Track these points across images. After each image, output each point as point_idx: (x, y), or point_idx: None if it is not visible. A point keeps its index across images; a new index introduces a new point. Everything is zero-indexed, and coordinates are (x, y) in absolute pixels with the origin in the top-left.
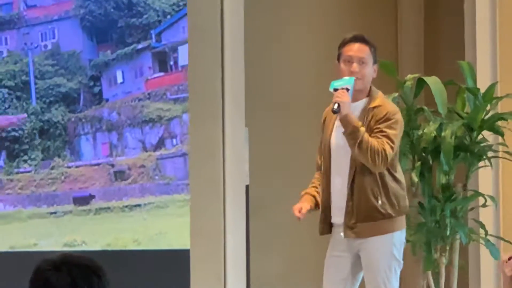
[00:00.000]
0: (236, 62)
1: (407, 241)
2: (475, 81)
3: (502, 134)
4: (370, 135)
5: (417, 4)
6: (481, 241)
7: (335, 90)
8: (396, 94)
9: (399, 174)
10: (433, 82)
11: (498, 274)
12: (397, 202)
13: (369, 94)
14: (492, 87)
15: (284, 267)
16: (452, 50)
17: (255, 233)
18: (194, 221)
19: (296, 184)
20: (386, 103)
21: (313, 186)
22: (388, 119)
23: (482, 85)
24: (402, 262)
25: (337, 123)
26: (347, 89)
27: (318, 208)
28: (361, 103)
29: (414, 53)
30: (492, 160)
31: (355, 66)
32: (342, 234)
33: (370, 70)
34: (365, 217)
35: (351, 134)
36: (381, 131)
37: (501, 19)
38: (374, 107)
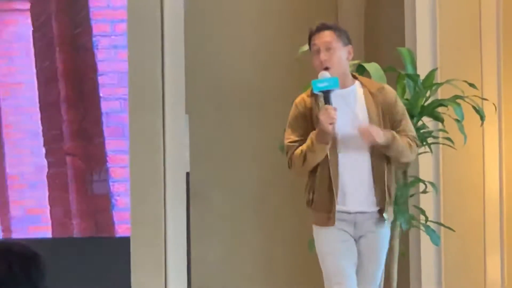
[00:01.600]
0: (176, 48)
1: None
2: (415, 67)
3: (442, 120)
4: (387, 121)
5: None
6: (422, 227)
7: (322, 92)
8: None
9: None
10: (373, 68)
11: (438, 260)
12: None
13: (355, 77)
14: (432, 74)
15: (225, 253)
16: (392, 36)
17: (195, 220)
18: (135, 208)
19: (236, 171)
20: (385, 85)
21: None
22: (399, 106)
23: (422, 71)
24: None
25: (346, 109)
26: (331, 90)
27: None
28: (354, 87)
29: (354, 39)
30: (432, 146)
31: (322, 55)
32: (385, 215)
33: (341, 54)
34: (388, 202)
35: (398, 153)
36: (402, 124)
37: (441, 5)
38: (379, 89)
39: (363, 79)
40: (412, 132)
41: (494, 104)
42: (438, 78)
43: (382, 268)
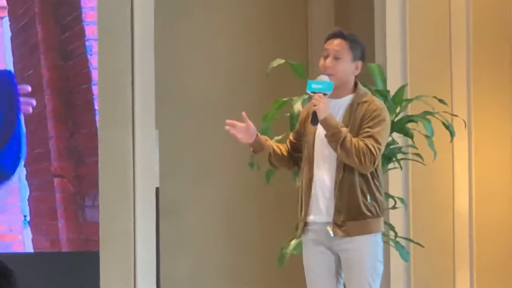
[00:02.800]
0: (146, 64)
1: None
2: (385, 83)
3: (411, 136)
4: (357, 133)
5: (327, 6)
6: (391, 243)
7: (313, 92)
8: (306, 96)
9: (380, 174)
10: None
11: (407, 276)
12: (382, 201)
13: (355, 91)
14: (402, 89)
15: (194, 269)
16: None
17: (165, 235)
18: (104, 223)
19: (207, 186)
20: (373, 99)
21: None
22: (376, 116)
23: (392, 87)
24: (383, 263)
25: None
26: (325, 94)
27: (260, 148)
28: (347, 99)
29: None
30: (401, 162)
31: (328, 61)
32: (331, 232)
33: (347, 66)
34: (355, 215)
35: (332, 136)
36: (367, 131)
37: (411, 21)
38: (362, 103)
39: (361, 92)
40: (373, 144)
41: (463, 120)
42: (408, 94)
43: (369, 281)
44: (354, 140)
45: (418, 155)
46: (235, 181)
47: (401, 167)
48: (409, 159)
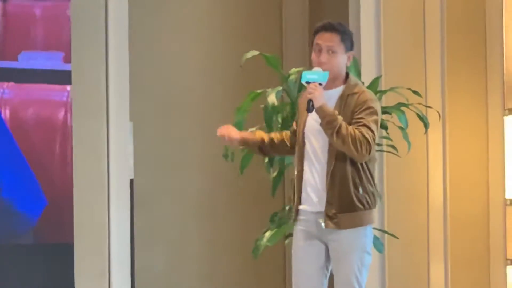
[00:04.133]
0: (120, 55)
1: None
2: (359, 75)
3: (386, 128)
4: (349, 124)
5: None
6: None
7: (307, 83)
8: (280, 88)
9: (372, 166)
10: None
11: (382, 267)
12: (373, 193)
13: (346, 82)
14: (376, 81)
15: (169, 260)
16: None
17: (140, 227)
18: (78, 215)
19: (181, 177)
20: (365, 91)
21: (269, 135)
22: (368, 108)
23: (367, 78)
24: (371, 255)
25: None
26: (320, 84)
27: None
28: (338, 90)
29: (298, 47)
30: (376, 153)
31: (322, 56)
32: (322, 224)
33: (341, 59)
34: (347, 207)
35: (328, 123)
36: (361, 120)
37: (385, 12)
38: (352, 94)
39: (352, 83)
40: (368, 132)
41: (438, 111)
42: (382, 86)
43: (355, 273)
44: (350, 128)
45: (392, 146)
46: (209, 173)
47: (375, 160)
48: (384, 151)
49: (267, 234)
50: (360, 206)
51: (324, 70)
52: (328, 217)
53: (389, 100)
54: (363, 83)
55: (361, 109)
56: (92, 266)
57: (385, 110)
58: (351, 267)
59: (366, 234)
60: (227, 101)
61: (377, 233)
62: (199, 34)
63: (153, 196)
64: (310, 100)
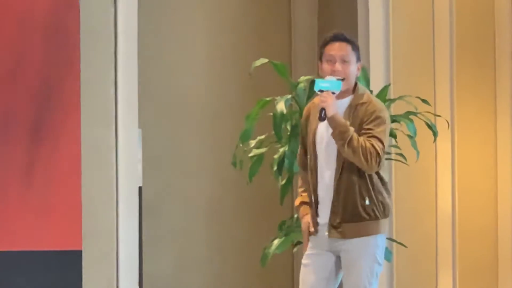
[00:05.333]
0: (129, 62)
1: (299, 242)
2: (368, 83)
3: (395, 136)
4: (357, 135)
5: (311, 6)
6: None
7: (320, 91)
8: (289, 96)
9: (385, 175)
10: None
11: (390, 276)
12: (383, 203)
13: (354, 92)
14: (385, 89)
15: (177, 268)
16: None
17: (148, 234)
18: (87, 222)
19: (189, 185)
20: (373, 100)
21: (303, 190)
22: (376, 118)
23: (375, 87)
24: (382, 265)
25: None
26: (333, 93)
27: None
28: (347, 100)
29: (307, 55)
30: (385, 162)
31: (337, 65)
32: (326, 233)
33: (354, 69)
34: (351, 217)
35: (340, 134)
36: (370, 131)
37: (394, 21)
38: (360, 104)
39: (361, 93)
40: (378, 144)
41: (447, 120)
42: (391, 94)
43: (364, 283)
44: (361, 139)
45: (401, 155)
46: (217, 180)
47: (384, 169)
48: (392, 159)
49: (276, 242)
50: (366, 216)
51: (340, 78)
52: (333, 226)
53: (397, 108)
54: (371, 91)
55: (370, 120)
56: (100, 273)
57: (393, 119)
58: (360, 275)
59: (376, 244)
60: (236, 109)
61: (386, 242)
62: (208, 41)
63: (161, 204)
64: (322, 109)
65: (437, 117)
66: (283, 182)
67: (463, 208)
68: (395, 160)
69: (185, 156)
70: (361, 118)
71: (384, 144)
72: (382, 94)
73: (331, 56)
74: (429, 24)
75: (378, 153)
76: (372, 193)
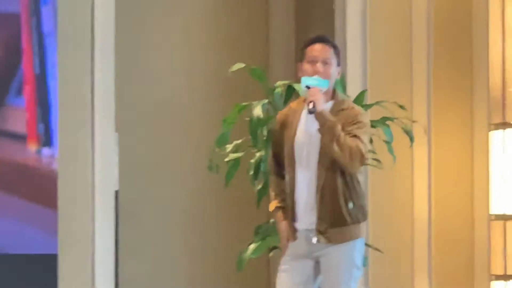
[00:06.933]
0: (106, 66)
1: (275, 247)
2: (345, 89)
3: (371, 142)
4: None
5: (288, 11)
6: None
7: (307, 87)
8: (266, 101)
9: (360, 179)
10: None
11: (366, 281)
12: (363, 206)
13: (334, 96)
14: (361, 95)
15: (153, 272)
16: None
17: (124, 238)
18: (63, 226)
19: (166, 189)
20: (354, 106)
21: (276, 195)
22: (358, 122)
23: (352, 92)
24: (361, 269)
25: (303, 120)
26: (320, 90)
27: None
28: (327, 105)
29: (284, 60)
30: (362, 167)
31: (319, 65)
32: (314, 239)
33: (334, 71)
34: (337, 222)
35: (329, 129)
36: (352, 132)
37: (371, 26)
38: (340, 110)
39: (340, 98)
40: (361, 144)
41: (423, 126)
42: (368, 100)
43: (343, 287)
44: (348, 137)
45: (377, 160)
46: (194, 185)
47: (360, 172)
48: (369, 165)
49: (252, 246)
50: (350, 220)
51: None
52: (320, 232)
53: (374, 114)
54: (348, 97)
55: (352, 123)
56: (76, 277)
57: (370, 124)
58: (340, 280)
59: (356, 248)
60: (213, 113)
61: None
62: (185, 46)
63: (138, 208)
64: (311, 102)
65: (414, 123)
66: (260, 186)
67: (439, 213)
68: (372, 165)
69: (161, 160)
70: (343, 122)
71: (366, 146)
72: (359, 100)
73: (314, 57)
74: (406, 29)
75: (362, 153)
76: (354, 196)
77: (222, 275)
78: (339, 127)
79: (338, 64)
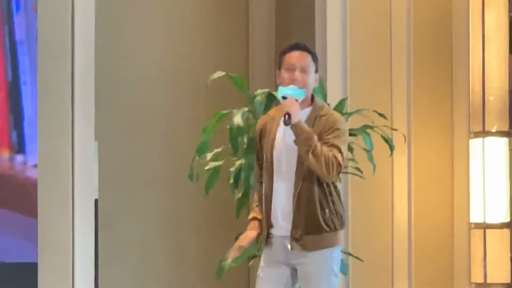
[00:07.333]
0: (86, 75)
1: (255, 256)
2: (325, 97)
3: (351, 150)
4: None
5: (267, 18)
6: None
7: (284, 98)
8: (246, 109)
9: (339, 186)
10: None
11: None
12: (341, 214)
13: (312, 104)
14: (342, 103)
15: (133, 281)
16: None
17: (104, 247)
18: (42, 234)
19: (146, 198)
20: (333, 113)
21: (257, 205)
22: (336, 129)
23: (332, 100)
24: (339, 276)
25: (281, 128)
26: (296, 100)
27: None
28: (305, 112)
29: (264, 68)
30: (341, 176)
31: (296, 74)
32: (288, 246)
33: (312, 79)
34: (313, 229)
35: (305, 140)
36: (330, 142)
37: (351, 34)
38: (320, 116)
39: (319, 105)
40: (338, 154)
41: (403, 134)
42: (348, 108)
43: None
44: (324, 148)
45: (357, 169)
46: (174, 193)
47: (340, 181)
48: (349, 173)
49: None
50: (327, 228)
51: (298, 88)
52: (295, 239)
53: (354, 122)
54: (328, 105)
55: (330, 130)
56: (56, 286)
57: (350, 132)
58: None
59: (333, 256)
60: (193, 122)
61: (342, 255)
62: (165, 54)
63: (117, 216)
64: (287, 113)
65: (394, 131)
66: (239, 195)
67: (419, 221)
68: (352, 173)
69: (141, 168)
70: (321, 129)
71: (343, 154)
72: (339, 108)
73: (291, 65)
74: (386, 37)
75: (339, 163)
76: (331, 204)
77: (202, 283)
78: (315, 138)
79: (316, 71)
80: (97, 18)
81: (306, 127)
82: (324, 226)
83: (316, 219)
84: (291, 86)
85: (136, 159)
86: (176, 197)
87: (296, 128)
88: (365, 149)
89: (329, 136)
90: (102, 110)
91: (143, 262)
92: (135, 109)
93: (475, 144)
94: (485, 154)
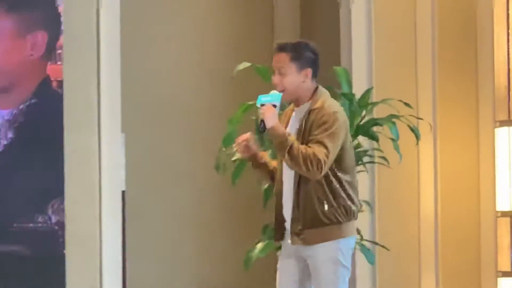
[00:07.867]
0: (112, 67)
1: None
2: (350, 87)
3: (377, 139)
4: (308, 140)
5: (293, 10)
6: (357, 246)
7: (262, 105)
8: None
9: (351, 177)
10: None
11: (373, 278)
12: (345, 207)
13: (313, 97)
14: (367, 93)
15: (161, 272)
16: (328, 55)
17: (131, 239)
18: (70, 227)
19: (173, 190)
20: (325, 105)
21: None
22: (323, 123)
23: (358, 90)
24: (350, 269)
25: (290, 123)
26: (274, 106)
27: (262, 165)
28: (305, 106)
29: None
30: (367, 165)
31: (274, 78)
32: (289, 241)
33: (294, 79)
34: (312, 223)
35: (279, 144)
36: (315, 137)
37: (376, 25)
38: (312, 110)
39: (317, 98)
40: (320, 150)
41: (429, 123)
42: (374, 98)
43: (330, 287)
44: (302, 147)
45: (384, 158)
46: (201, 184)
47: (367, 170)
48: (375, 162)
49: (259, 245)
50: (327, 221)
51: (278, 91)
52: (295, 233)
53: (380, 111)
54: (353, 95)
55: (318, 125)
56: (83, 278)
57: (376, 122)
58: (324, 281)
59: (338, 248)
60: (219, 113)
61: (368, 245)
62: (191, 46)
63: (145, 208)
64: (262, 121)
65: (420, 120)
66: (266, 186)
67: (445, 210)
68: (378, 163)
69: (168, 160)
70: (311, 123)
71: (329, 149)
72: (365, 98)
73: (273, 68)
74: (411, 27)
75: (319, 159)
76: (331, 198)
77: (230, 274)
78: (289, 140)
79: (305, 67)
80: (122, 11)
81: (279, 131)
82: (324, 219)
83: (315, 213)
84: (271, 91)
85: (163, 150)
86: (203, 188)
87: (270, 133)
88: (391, 139)
89: (315, 132)
90: (129, 102)
91: (170, 253)
92: (161, 101)
93: (501, 132)
94: (511, 142)
